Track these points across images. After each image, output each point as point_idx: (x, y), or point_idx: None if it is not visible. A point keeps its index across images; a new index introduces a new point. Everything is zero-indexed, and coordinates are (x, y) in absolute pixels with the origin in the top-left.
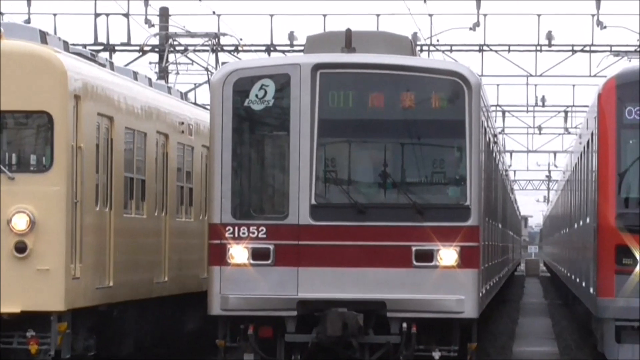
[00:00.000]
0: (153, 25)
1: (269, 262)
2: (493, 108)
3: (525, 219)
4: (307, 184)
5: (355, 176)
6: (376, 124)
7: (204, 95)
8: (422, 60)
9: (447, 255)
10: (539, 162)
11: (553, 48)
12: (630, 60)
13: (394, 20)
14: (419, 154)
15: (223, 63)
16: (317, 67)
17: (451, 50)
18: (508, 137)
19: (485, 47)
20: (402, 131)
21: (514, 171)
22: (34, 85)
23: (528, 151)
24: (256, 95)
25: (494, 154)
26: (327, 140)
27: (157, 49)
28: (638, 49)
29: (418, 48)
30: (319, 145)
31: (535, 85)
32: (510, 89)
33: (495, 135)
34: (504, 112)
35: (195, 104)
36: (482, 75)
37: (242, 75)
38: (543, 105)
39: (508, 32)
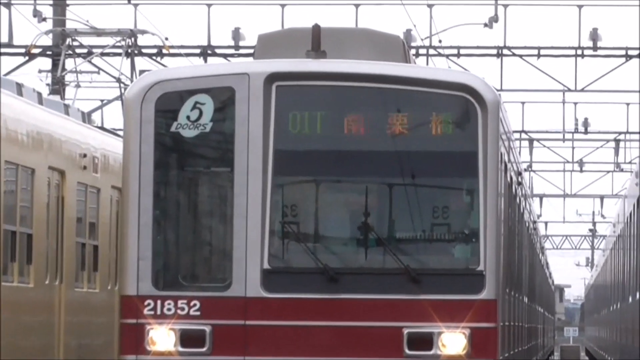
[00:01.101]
0: (44, 19)
1: (204, 349)
2: (517, 135)
3: (561, 290)
4: (258, 240)
5: (324, 230)
6: (354, 158)
7: (115, 116)
8: (419, 68)
9: (453, 340)
10: (579, 210)
11: (599, 52)
12: None
13: (380, 12)
14: (414, 199)
15: (142, 72)
16: (272, 77)
17: (459, 55)
18: (537, 175)
19: (505, 51)
20: (390, 167)
21: (546, 223)
22: None
23: (565, 195)
24: (188, 117)
25: (518, 199)
26: (286, 179)
27: (49, 52)
28: None
29: (413, 51)
30: (274, 187)
31: (575, 103)
32: (541, 109)
33: (519, 174)
34: (531, 140)
35: (102, 128)
36: (501, 89)
37: (169, 88)
38: (586, 132)
39: (537, 30)
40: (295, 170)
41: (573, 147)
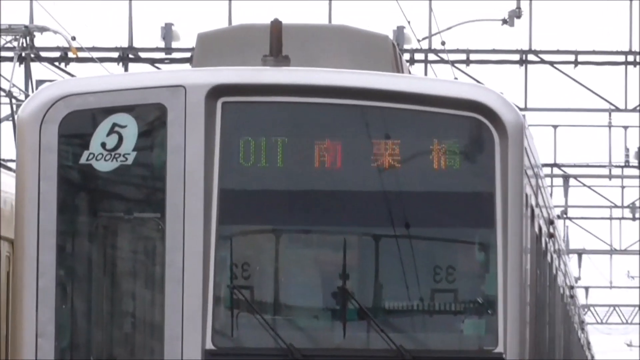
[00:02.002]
0: None
1: None
2: (547, 171)
3: None
4: (199, 311)
5: (288, 297)
6: (328, 200)
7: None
8: (415, 80)
9: None
10: (632, 271)
11: None
12: None
13: (363, 3)
14: (409, 257)
15: (40, 82)
16: (216, 91)
17: (468, 62)
18: (575, 224)
19: (531, 56)
20: (376, 213)
21: (586, 289)
22: None
23: (612, 251)
24: (103, 145)
25: (549, 257)
26: (235, 229)
27: None
28: None
29: (406, 57)
30: (220, 239)
31: (625, 127)
32: (579, 135)
33: (551, 222)
34: (567, 177)
35: None
36: (525, 108)
37: (77, 106)
38: None
39: (574, 30)
40: (248, 217)
41: (622, 187)
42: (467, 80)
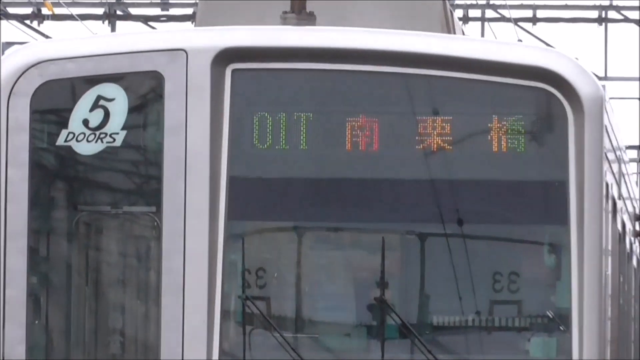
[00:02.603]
0: None
1: None
2: (632, 154)
3: None
4: (203, 328)
5: (314, 311)
6: (363, 191)
7: None
8: (470, 43)
9: None
10: None
11: None
12: None
13: None
14: (462, 261)
15: (8, 45)
16: (225, 56)
17: (535, 20)
18: None
19: (612, 13)
20: (422, 207)
21: None
22: None
23: None
24: (85, 123)
25: (635, 261)
26: (248, 225)
27: None
28: None
29: (459, 14)
30: (229, 239)
31: None
32: None
33: (637, 218)
34: None
35: None
36: (605, 77)
37: (54, 74)
38: None
39: None
40: (264, 211)
41: None
42: (533, 43)
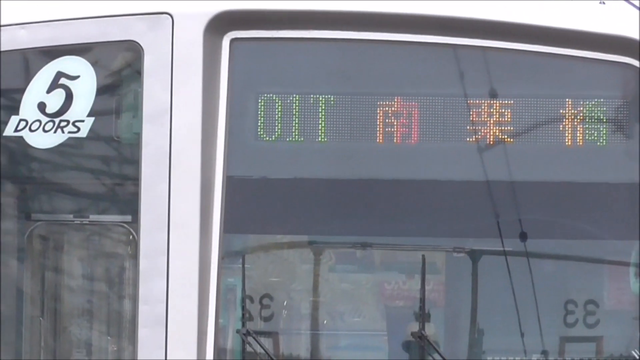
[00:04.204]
0: None
1: None
2: None
3: None
4: None
5: (335, 349)
6: (398, 196)
7: None
8: (534, 5)
9: None
10: None
11: None
12: None
13: None
14: (524, 287)
15: None
16: (222, 22)
17: None
18: None
19: None
20: (474, 216)
21: None
22: None
23: None
24: (41, 107)
25: None
26: (249, 240)
27: None
28: None
29: None
30: (225, 257)
31: None
32: None
33: None
34: None
35: None
36: None
37: (1, 44)
38: None
39: None
40: (270, 222)
41: None
42: (618, 6)
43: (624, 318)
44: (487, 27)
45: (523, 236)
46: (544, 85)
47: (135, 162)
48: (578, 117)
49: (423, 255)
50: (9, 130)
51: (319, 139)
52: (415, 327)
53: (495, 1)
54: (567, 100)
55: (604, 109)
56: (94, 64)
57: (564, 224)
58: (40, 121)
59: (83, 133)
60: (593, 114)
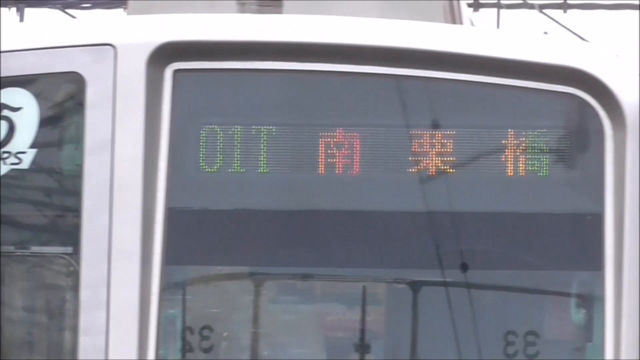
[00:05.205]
0: None
1: None
2: None
3: None
4: None
5: None
6: (339, 227)
7: None
8: (480, 36)
9: None
10: None
11: None
12: None
13: None
14: (466, 318)
15: None
16: (166, 53)
17: (565, 6)
18: None
19: None
20: (416, 247)
21: None
22: None
23: None
24: None
25: None
26: (190, 272)
27: None
28: None
29: (467, 0)
30: (166, 289)
31: None
32: None
33: None
34: None
35: None
36: None
37: None
38: None
39: None
40: (211, 254)
41: None
42: (562, 36)
43: (565, 348)
44: (430, 58)
45: (464, 267)
46: (487, 116)
47: (77, 193)
48: (520, 147)
49: (364, 286)
50: None
51: (260, 170)
52: (355, 358)
53: (439, 32)
54: (509, 130)
55: (547, 139)
56: (37, 95)
57: (505, 254)
58: None
59: (25, 165)
60: (535, 145)
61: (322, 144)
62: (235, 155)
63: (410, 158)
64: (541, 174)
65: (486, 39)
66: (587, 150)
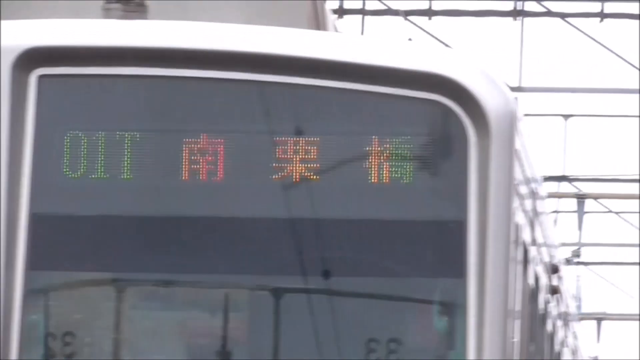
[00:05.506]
0: None
1: None
2: (552, 187)
3: None
4: None
5: None
6: (202, 233)
7: None
8: (344, 42)
9: None
10: None
11: None
12: None
13: None
14: (328, 325)
15: None
16: (30, 58)
17: (430, 14)
18: (592, 272)
19: (530, 4)
20: (278, 254)
21: None
22: None
23: None
24: None
25: (550, 325)
26: (53, 277)
27: None
28: None
29: (334, 4)
30: (29, 295)
31: None
32: (606, 128)
33: (554, 270)
34: (581, 198)
35: None
36: (520, 88)
37: None
38: None
39: None
40: (74, 260)
41: None
42: (426, 43)
43: (427, 356)
44: (294, 64)
45: (327, 274)
46: (351, 123)
47: None
48: (384, 154)
49: (226, 293)
50: None
51: (124, 176)
52: None
53: (302, 38)
54: (373, 137)
55: (411, 146)
56: None
57: (368, 261)
58: None
59: None
60: (399, 152)
61: (185, 150)
62: (99, 161)
63: (274, 164)
64: (405, 181)
65: (350, 45)
66: (451, 158)
